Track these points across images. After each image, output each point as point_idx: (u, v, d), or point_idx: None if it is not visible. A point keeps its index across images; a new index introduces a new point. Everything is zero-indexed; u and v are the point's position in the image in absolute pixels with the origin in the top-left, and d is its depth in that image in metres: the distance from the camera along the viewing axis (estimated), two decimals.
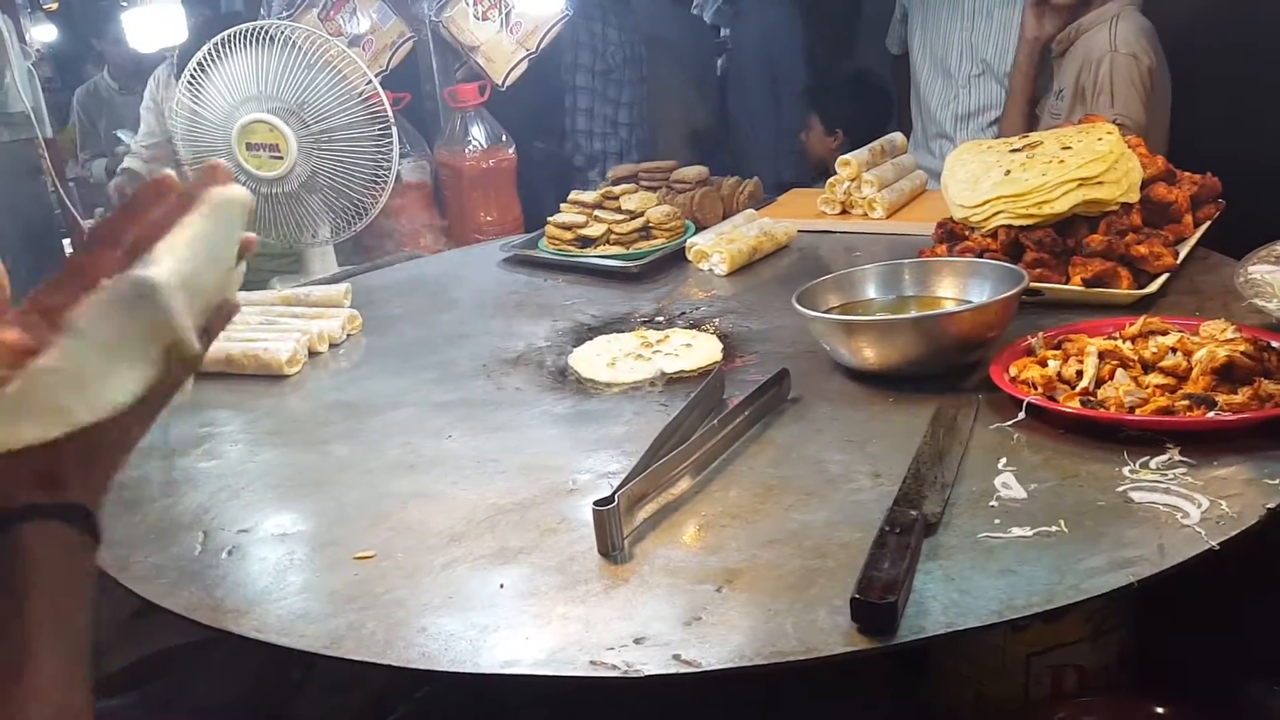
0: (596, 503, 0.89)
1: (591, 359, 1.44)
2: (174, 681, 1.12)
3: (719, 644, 0.75)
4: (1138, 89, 2.22)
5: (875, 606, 0.73)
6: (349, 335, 1.65)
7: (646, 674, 0.72)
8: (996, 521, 0.88)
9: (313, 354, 1.57)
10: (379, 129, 2.06)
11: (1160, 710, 1.05)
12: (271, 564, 0.95)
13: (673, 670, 0.72)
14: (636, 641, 0.76)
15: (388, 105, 2.05)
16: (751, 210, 2.09)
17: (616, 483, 1.05)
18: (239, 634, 0.83)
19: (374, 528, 0.99)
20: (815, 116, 3.14)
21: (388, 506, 1.04)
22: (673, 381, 1.33)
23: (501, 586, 0.86)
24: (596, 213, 2.00)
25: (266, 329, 1.59)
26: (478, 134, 2.41)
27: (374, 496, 1.06)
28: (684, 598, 0.81)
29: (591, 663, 0.73)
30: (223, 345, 1.51)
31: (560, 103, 3.39)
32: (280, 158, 2.01)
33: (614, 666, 0.73)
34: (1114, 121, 2.12)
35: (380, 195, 2.09)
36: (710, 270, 1.83)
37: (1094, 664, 1.17)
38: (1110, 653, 1.19)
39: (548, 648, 0.77)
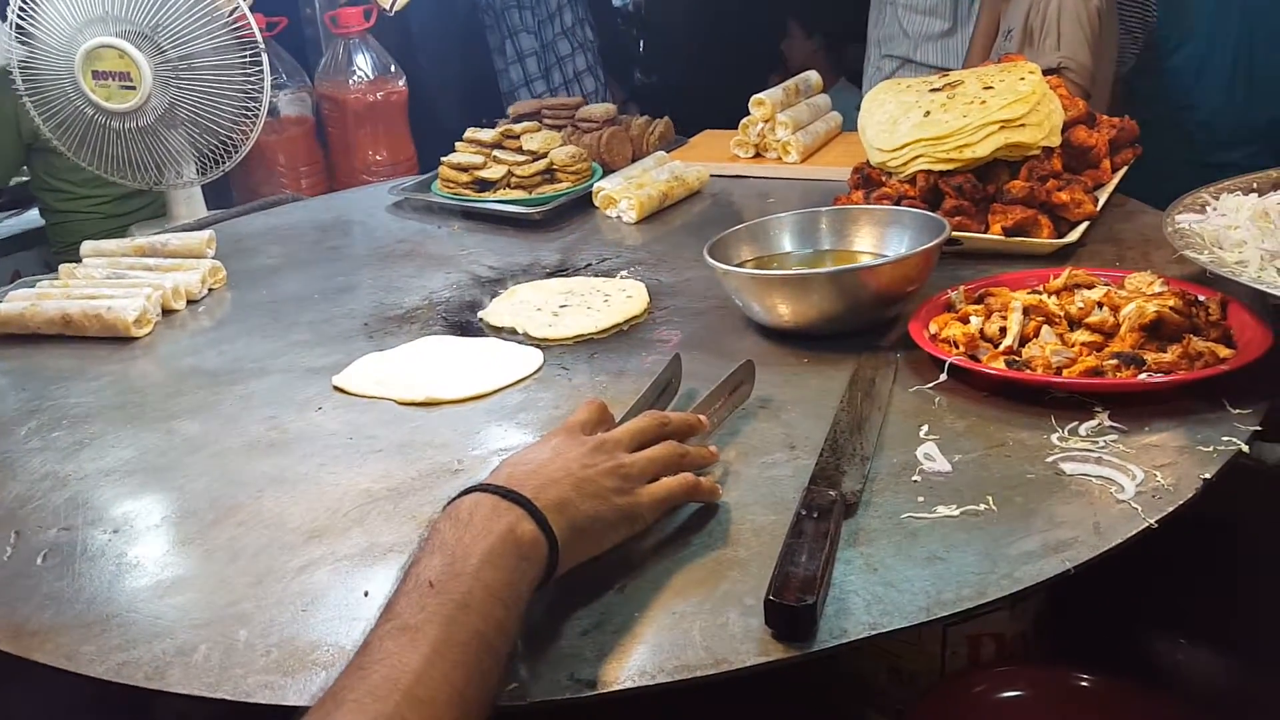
0: None
1: (506, 312, 1.32)
2: None
3: (619, 658, 0.65)
4: (1085, 31, 2.17)
5: (792, 610, 0.64)
6: (211, 290, 1.48)
7: (532, 700, 0.62)
8: (920, 499, 0.81)
9: (167, 312, 1.40)
10: (248, 56, 1.85)
11: (1082, 679, 1.02)
12: (92, 571, 0.80)
13: (566, 695, 0.62)
14: (525, 658, 0.65)
15: (257, 29, 1.85)
16: (662, 153, 1.97)
17: None
18: (44, 663, 0.69)
19: (221, 522, 0.86)
20: (794, 22, 3.06)
21: (240, 496, 0.90)
22: (583, 342, 1.22)
23: (366, 594, 0.74)
24: (495, 153, 1.85)
25: (113, 284, 1.41)
26: (363, 64, 2.21)
27: (225, 483, 0.93)
28: (581, 599, 0.71)
29: None
30: (61, 304, 1.33)
31: (473, 32, 3.18)
32: (133, 88, 1.79)
33: None
34: (1059, 65, 2.08)
35: (251, 130, 1.89)
36: (619, 217, 1.71)
37: (1012, 631, 1.14)
38: (1027, 619, 1.15)
39: None
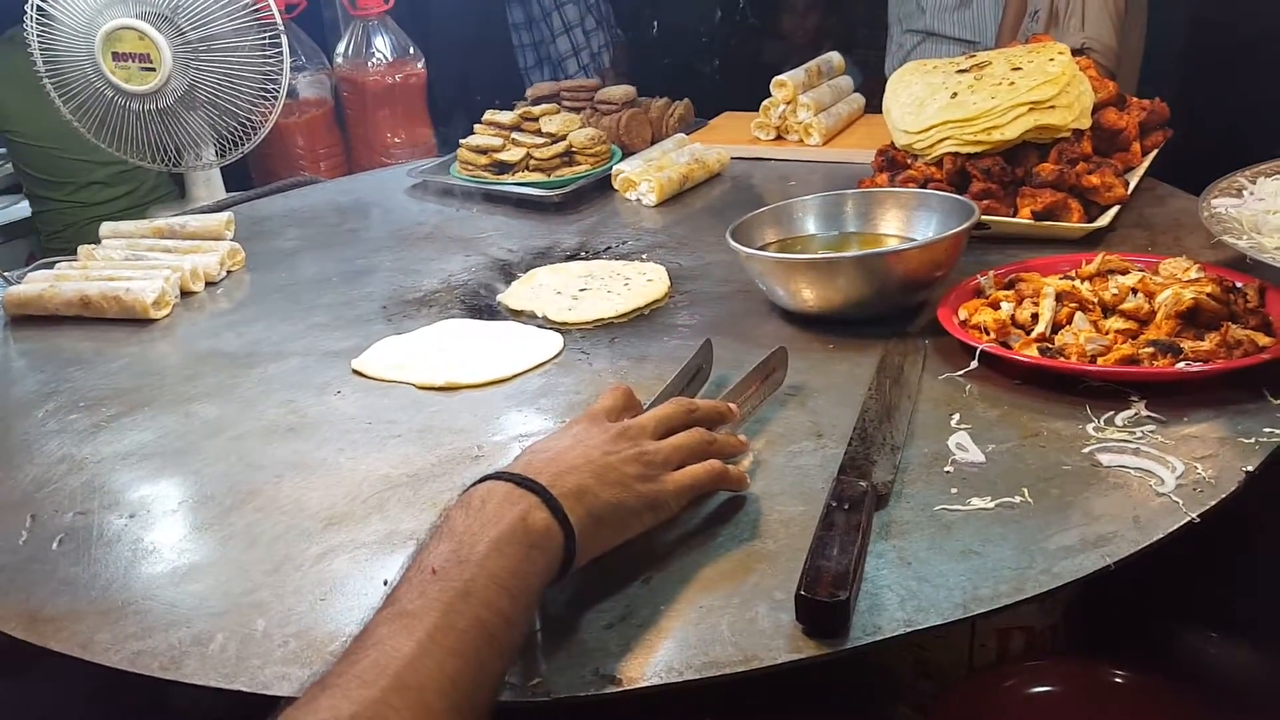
0: None
1: (525, 295, 1.30)
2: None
3: (645, 653, 0.63)
4: (1110, 12, 2.12)
5: (824, 605, 0.62)
6: (230, 272, 1.47)
7: (556, 696, 0.60)
8: (954, 490, 0.78)
9: (186, 294, 1.39)
10: (268, 38, 1.84)
11: (1114, 675, 1.00)
12: (108, 557, 0.80)
13: (590, 691, 0.61)
14: (547, 651, 0.64)
15: (276, 11, 1.83)
16: (682, 135, 1.94)
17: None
18: (58, 651, 0.68)
19: (238, 508, 0.85)
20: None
21: (258, 481, 0.89)
22: (603, 326, 1.20)
23: (386, 583, 0.72)
24: (514, 135, 1.83)
25: (132, 265, 1.40)
26: (382, 46, 2.19)
27: (243, 468, 0.92)
28: (607, 591, 0.70)
29: None
30: (79, 285, 1.32)
31: (493, 12, 3.15)
32: (153, 69, 1.77)
33: (513, 685, 0.61)
34: (1083, 46, 2.04)
35: (270, 112, 1.87)
36: (638, 200, 1.69)
37: (1041, 624, 1.11)
38: (1057, 611, 1.13)
39: None
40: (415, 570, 0.58)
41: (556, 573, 0.63)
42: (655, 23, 3.91)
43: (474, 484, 0.66)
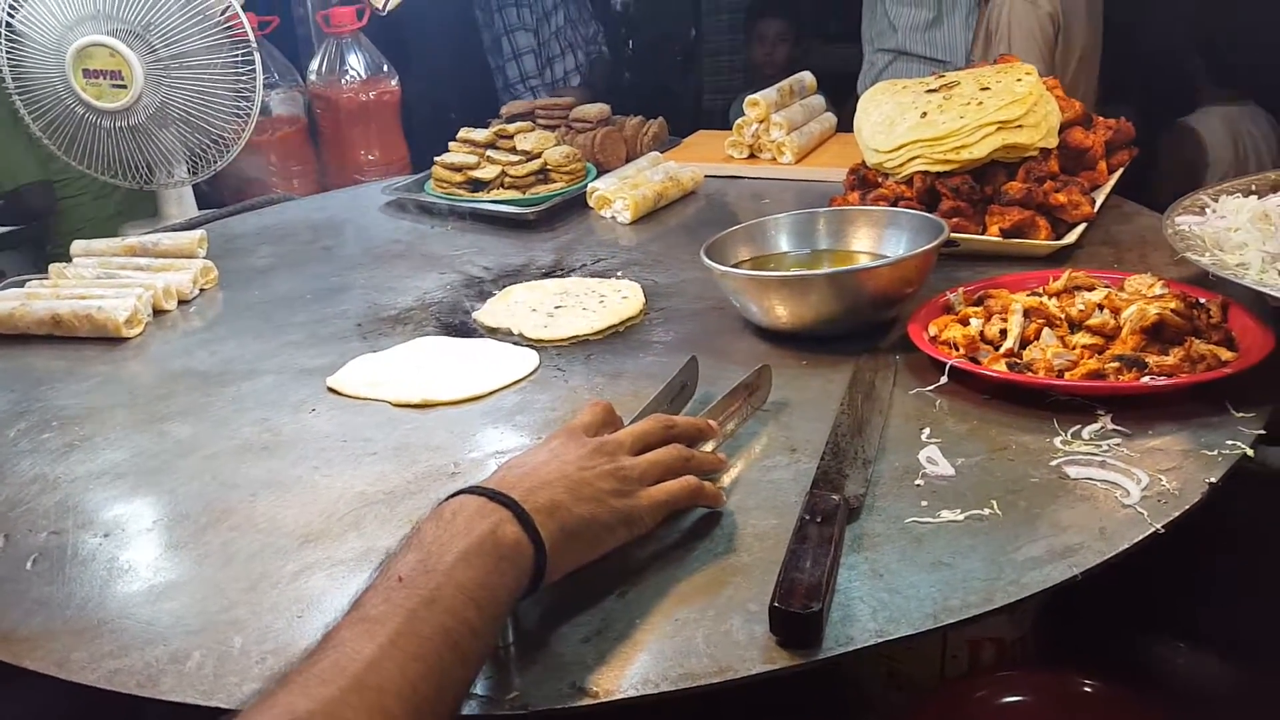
0: None
1: (500, 313, 1.30)
2: None
3: (621, 665, 0.64)
4: (1035, 38, 2.18)
5: (798, 617, 0.63)
6: (202, 290, 1.47)
7: (533, 709, 0.61)
8: (924, 503, 0.80)
9: (159, 313, 1.38)
10: (240, 55, 1.84)
11: (1083, 685, 1.01)
12: (83, 576, 0.79)
13: (568, 704, 0.61)
14: (526, 666, 0.64)
15: (249, 28, 1.83)
16: (656, 153, 1.96)
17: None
18: (34, 670, 0.67)
19: (214, 526, 0.84)
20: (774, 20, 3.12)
21: (233, 499, 0.88)
22: (579, 343, 1.21)
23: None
24: (489, 153, 1.84)
25: (104, 284, 1.39)
26: (356, 64, 2.19)
27: (218, 486, 0.91)
28: (582, 604, 0.70)
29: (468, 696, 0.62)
30: (50, 304, 1.31)
31: (467, 31, 3.17)
32: (124, 86, 1.77)
33: (491, 699, 0.61)
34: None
35: (243, 130, 1.87)
36: (613, 218, 1.70)
37: (1012, 636, 1.13)
38: (1027, 623, 1.15)
39: None
40: (382, 578, 0.58)
41: (526, 587, 0.63)
42: (630, 42, 3.95)
43: (447, 498, 0.66)
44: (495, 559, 0.61)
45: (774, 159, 1.89)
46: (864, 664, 1.16)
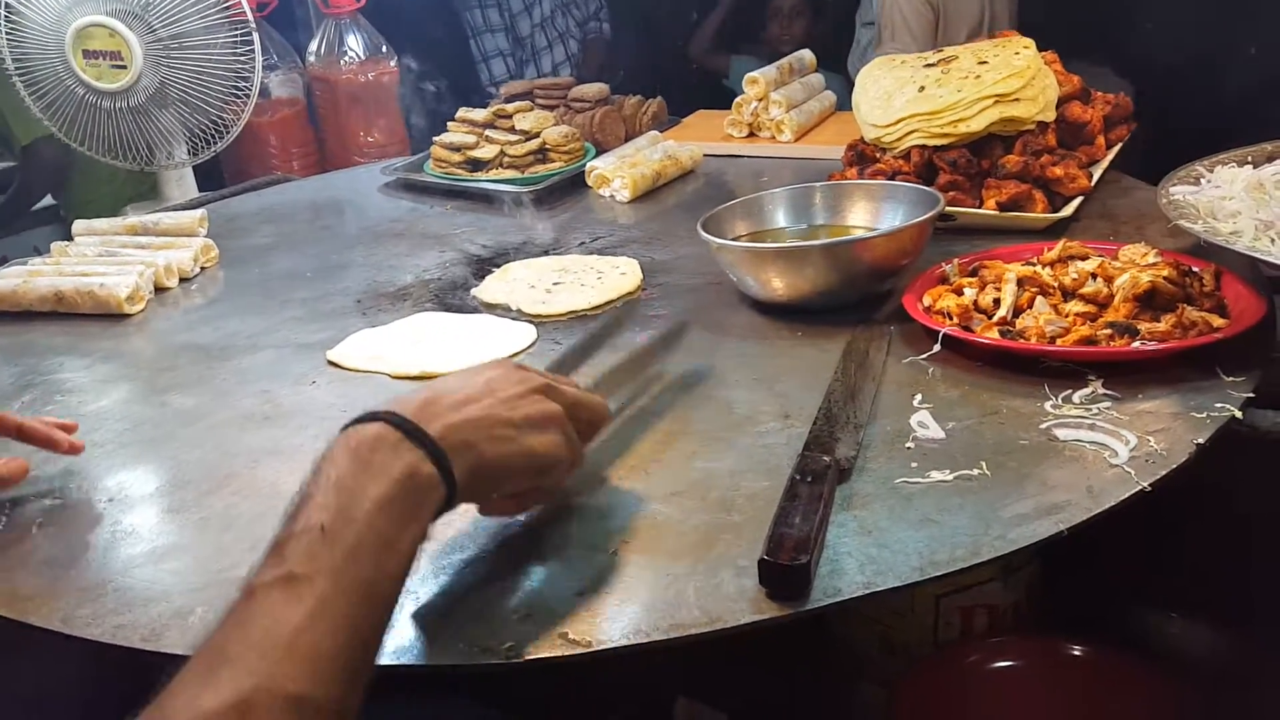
0: None
1: (499, 289, 1.31)
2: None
3: (613, 618, 0.65)
4: (909, 24, 2.21)
5: (786, 569, 0.65)
6: (203, 269, 1.48)
7: (530, 658, 0.62)
8: (914, 465, 0.81)
9: (160, 290, 1.39)
10: (239, 35, 1.84)
11: (1073, 650, 1.02)
12: (89, 538, 0.80)
13: (559, 653, 0.62)
14: (519, 619, 0.66)
15: (248, 9, 1.84)
16: (655, 132, 1.96)
17: None
18: (40, 626, 0.69)
19: (216, 491, 0.86)
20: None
21: (235, 466, 0.90)
22: (577, 319, 1.21)
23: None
24: (488, 133, 1.84)
25: (105, 261, 1.40)
26: (355, 44, 2.19)
27: (220, 454, 0.92)
28: (574, 564, 0.71)
29: (461, 646, 0.63)
30: (53, 281, 1.32)
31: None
32: (124, 67, 1.78)
33: (488, 649, 0.63)
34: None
35: (242, 111, 1.88)
36: (612, 196, 1.71)
37: (1004, 602, 1.14)
38: (1019, 590, 1.16)
39: (414, 631, 0.66)
40: (302, 523, 0.57)
41: (431, 523, 0.63)
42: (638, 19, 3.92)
43: (359, 419, 0.64)
44: (413, 504, 0.60)
45: (773, 137, 1.89)
46: (858, 630, 1.17)
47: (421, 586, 0.71)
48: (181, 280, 1.42)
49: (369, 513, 0.58)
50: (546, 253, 1.47)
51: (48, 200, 2.47)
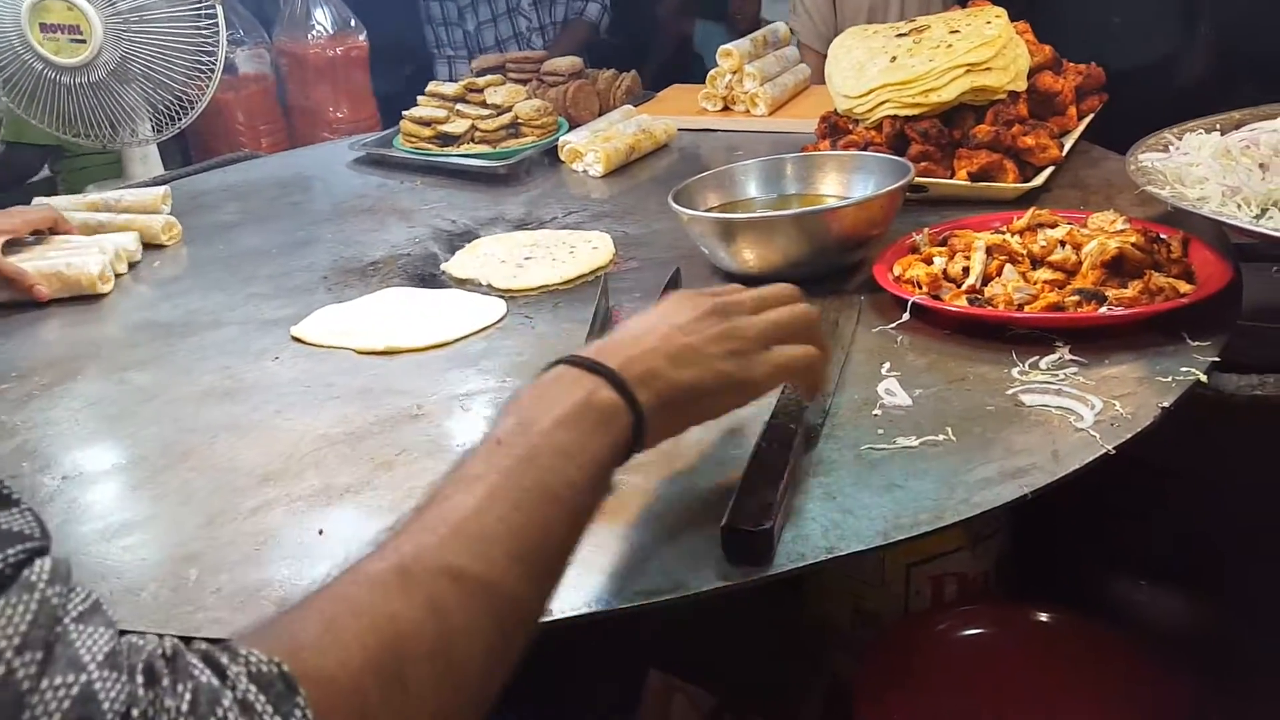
0: None
1: (470, 264, 1.30)
2: None
3: (575, 588, 0.64)
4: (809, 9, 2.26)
5: (749, 535, 0.64)
6: (168, 245, 1.45)
7: None
8: (880, 431, 0.80)
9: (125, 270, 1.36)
10: (202, 9, 1.81)
11: (1041, 616, 1.03)
12: (42, 516, 0.78)
13: None
14: None
15: None
16: (629, 106, 1.94)
17: (471, 405, 0.93)
18: None
19: (172, 468, 0.84)
20: None
21: (192, 442, 0.88)
22: (548, 293, 1.20)
23: (321, 533, 0.73)
24: (459, 107, 1.82)
25: (62, 243, 1.37)
26: (322, 18, 2.16)
27: (177, 431, 0.91)
28: None
29: None
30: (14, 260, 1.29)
31: None
32: (83, 41, 1.74)
33: None
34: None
35: (207, 86, 1.84)
36: (585, 171, 1.69)
37: (974, 571, 1.15)
38: (989, 559, 1.16)
39: None
40: (482, 444, 0.58)
41: (623, 452, 0.61)
42: None
43: (546, 368, 0.64)
44: (592, 422, 0.59)
45: (747, 111, 1.88)
46: (830, 600, 1.17)
47: None
48: (145, 253, 1.39)
49: (546, 428, 0.57)
50: (519, 228, 1.45)
51: (45, 172, 2.41)
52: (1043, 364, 0.89)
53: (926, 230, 1.14)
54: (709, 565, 0.65)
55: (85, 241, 1.37)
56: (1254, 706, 1.05)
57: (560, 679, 1.00)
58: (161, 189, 1.56)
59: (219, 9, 1.79)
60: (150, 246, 1.44)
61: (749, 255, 1.14)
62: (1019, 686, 0.99)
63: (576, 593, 0.64)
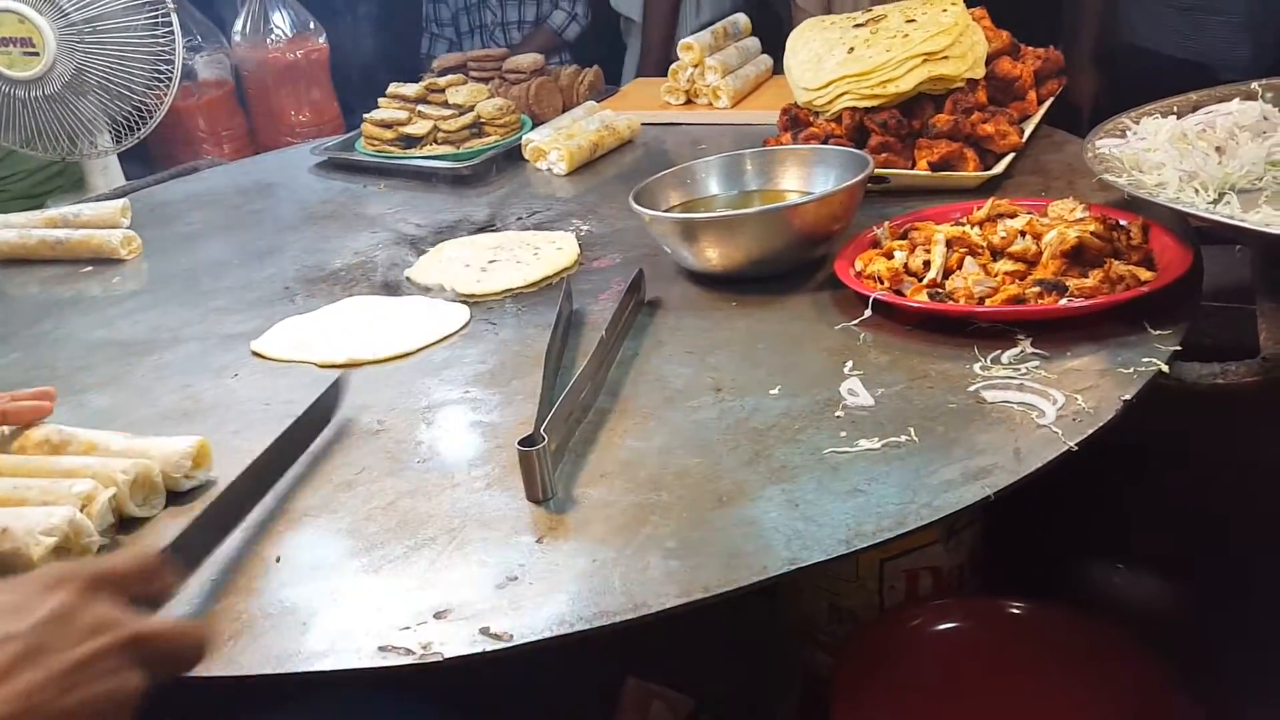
0: (521, 443, 0.74)
1: (433, 269, 1.28)
2: None
3: (535, 609, 0.64)
4: None
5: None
6: (128, 259, 1.43)
7: (446, 656, 0.60)
8: (843, 434, 0.80)
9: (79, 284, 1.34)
10: (158, 17, 1.77)
11: (1016, 608, 1.03)
12: None
13: (478, 649, 0.61)
14: (437, 616, 0.64)
15: None
16: (592, 102, 1.93)
17: (433, 418, 0.92)
18: None
19: None
20: None
21: None
22: (512, 297, 1.19)
23: (278, 560, 0.72)
24: (420, 108, 1.80)
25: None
26: (281, 22, 2.13)
27: None
28: (498, 555, 0.70)
29: (380, 648, 0.61)
30: None
31: None
32: (36, 54, 1.70)
33: (407, 650, 0.61)
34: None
35: (165, 95, 1.81)
36: (549, 170, 1.68)
37: (948, 564, 1.15)
38: (963, 552, 1.17)
39: (329, 635, 0.64)
40: None
41: None
42: None
43: None
44: None
45: (710, 104, 1.87)
46: (807, 599, 1.18)
47: (339, 585, 0.69)
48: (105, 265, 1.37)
49: None
50: (483, 230, 1.44)
51: None
52: (1004, 358, 0.89)
53: (887, 224, 1.14)
54: (671, 582, 0.65)
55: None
56: (1224, 685, 1.06)
57: (537, 688, 1.00)
58: (120, 202, 1.53)
59: (174, 17, 1.76)
60: (110, 261, 1.42)
61: (712, 254, 1.13)
62: (996, 678, 1.00)
63: (536, 616, 0.63)
